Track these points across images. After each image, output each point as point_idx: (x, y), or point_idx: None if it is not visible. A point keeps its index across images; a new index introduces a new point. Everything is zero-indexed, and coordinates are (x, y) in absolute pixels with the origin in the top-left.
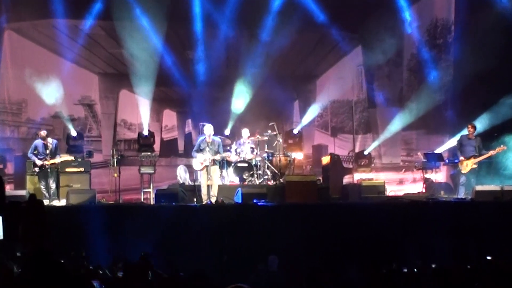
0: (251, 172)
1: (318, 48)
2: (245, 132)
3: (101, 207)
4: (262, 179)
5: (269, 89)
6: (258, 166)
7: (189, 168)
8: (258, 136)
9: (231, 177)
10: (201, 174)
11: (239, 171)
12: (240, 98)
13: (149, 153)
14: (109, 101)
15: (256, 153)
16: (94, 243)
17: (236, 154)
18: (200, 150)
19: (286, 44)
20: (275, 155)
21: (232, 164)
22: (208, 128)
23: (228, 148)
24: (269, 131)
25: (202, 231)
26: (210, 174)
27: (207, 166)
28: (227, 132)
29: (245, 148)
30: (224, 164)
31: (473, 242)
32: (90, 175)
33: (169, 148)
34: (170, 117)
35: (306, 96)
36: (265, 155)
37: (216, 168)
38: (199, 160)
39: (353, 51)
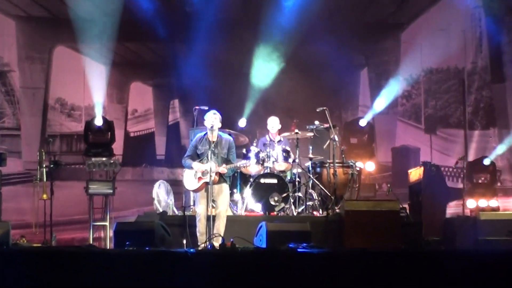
0: (284, 195)
1: None
2: (274, 123)
3: (19, 253)
4: (304, 206)
5: (316, 50)
6: (297, 184)
7: (176, 186)
8: (296, 130)
9: (249, 203)
10: (198, 197)
11: (263, 192)
12: (266, 65)
13: (104, 159)
14: (35, 65)
15: (294, 161)
16: None
17: (258, 162)
18: (196, 155)
19: None
20: (327, 165)
21: (252, 180)
22: (211, 117)
23: (245, 151)
24: (317, 123)
25: None
26: (213, 198)
27: (207, 184)
28: (242, 123)
29: (275, 151)
30: (237, 180)
31: None
32: (0, 195)
33: (140, 150)
34: (141, 95)
35: (382, 61)
36: (308, 164)
37: (224, 187)
38: (194, 174)
39: None
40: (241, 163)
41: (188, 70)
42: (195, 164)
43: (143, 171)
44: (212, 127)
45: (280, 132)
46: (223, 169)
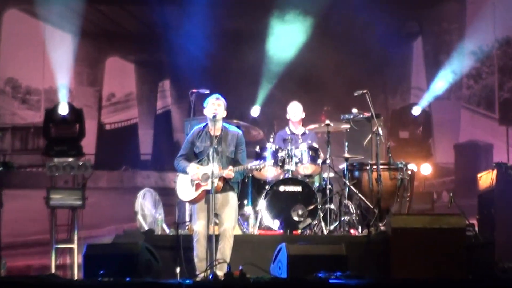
0: (311, 207)
1: None
2: (296, 109)
3: None
4: (337, 223)
5: (353, 14)
6: (328, 192)
7: (166, 195)
8: (327, 121)
9: (265, 218)
10: (196, 210)
11: (283, 203)
12: (286, 35)
13: (71, 160)
14: None
15: (324, 163)
16: None
17: (276, 163)
18: (194, 155)
19: None
20: (368, 168)
21: (268, 188)
22: (214, 104)
23: (258, 149)
24: (354, 111)
25: None
26: (216, 211)
27: (208, 193)
28: (255, 112)
29: (298, 149)
30: (248, 187)
31: None
32: None
33: (119, 147)
34: (121, 75)
35: (441, 29)
36: (343, 166)
37: (230, 196)
38: (191, 178)
39: None
40: (253, 164)
41: (183, 42)
42: (192, 167)
43: (122, 176)
44: (214, 116)
45: (305, 123)
46: (229, 172)
